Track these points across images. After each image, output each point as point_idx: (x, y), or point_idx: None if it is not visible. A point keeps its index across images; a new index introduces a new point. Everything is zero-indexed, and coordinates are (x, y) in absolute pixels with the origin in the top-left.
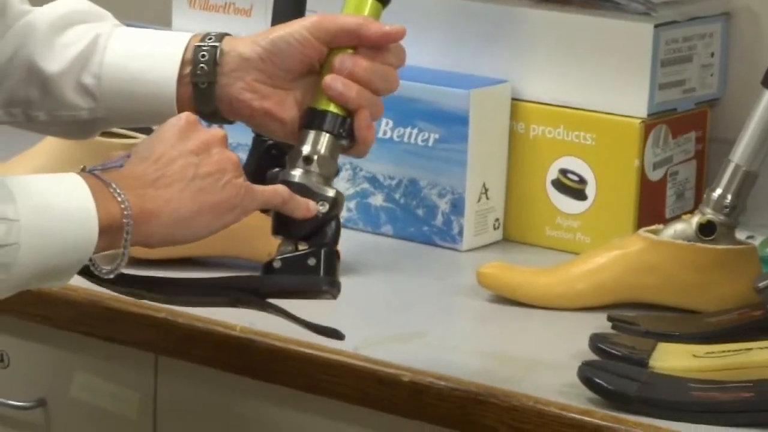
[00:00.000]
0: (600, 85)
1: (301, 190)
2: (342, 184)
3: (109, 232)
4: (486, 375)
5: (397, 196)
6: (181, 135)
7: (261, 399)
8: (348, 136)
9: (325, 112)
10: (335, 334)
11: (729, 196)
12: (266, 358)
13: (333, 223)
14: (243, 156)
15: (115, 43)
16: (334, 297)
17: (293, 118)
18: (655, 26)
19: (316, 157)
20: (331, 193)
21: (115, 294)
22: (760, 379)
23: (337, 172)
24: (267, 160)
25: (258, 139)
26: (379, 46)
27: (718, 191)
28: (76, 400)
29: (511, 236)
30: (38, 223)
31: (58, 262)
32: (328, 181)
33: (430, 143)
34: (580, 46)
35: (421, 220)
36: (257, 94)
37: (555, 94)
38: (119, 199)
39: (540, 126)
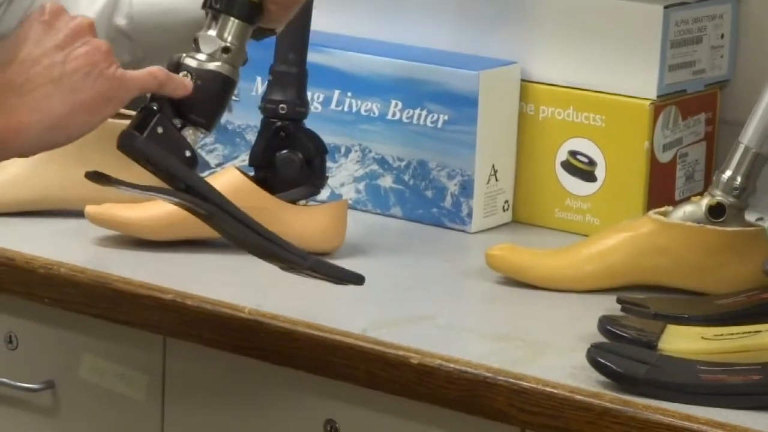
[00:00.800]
0: (610, 66)
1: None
2: (351, 165)
3: None
4: (494, 357)
5: (406, 177)
6: (44, 30)
7: (269, 381)
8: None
9: None
10: (358, 279)
11: (739, 178)
12: (274, 340)
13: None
14: (252, 138)
15: None
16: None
17: None
18: (665, 7)
19: (232, 48)
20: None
21: (123, 275)
22: None
23: (245, 62)
24: (276, 141)
25: (267, 121)
26: None
27: (728, 173)
28: (85, 381)
29: (520, 218)
30: None
31: None
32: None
33: (440, 125)
34: (589, 27)
35: (430, 202)
36: None
37: (564, 75)
38: None
39: (549, 107)
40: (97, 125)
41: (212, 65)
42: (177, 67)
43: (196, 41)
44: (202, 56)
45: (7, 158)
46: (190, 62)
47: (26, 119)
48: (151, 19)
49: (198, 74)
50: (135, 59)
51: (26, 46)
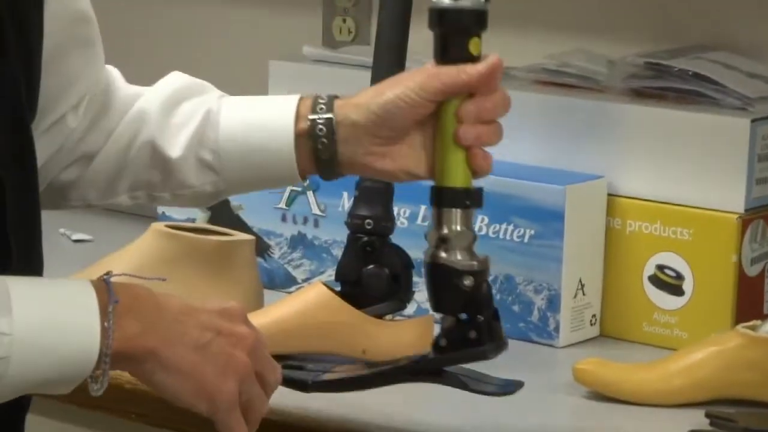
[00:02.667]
0: (697, 180)
1: (445, 270)
2: None
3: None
4: None
5: (493, 292)
6: (221, 314)
7: None
8: (477, 203)
9: (451, 189)
10: (509, 389)
11: None
12: None
13: (483, 288)
14: (338, 253)
15: (226, 117)
16: (501, 352)
17: (409, 164)
18: (752, 121)
19: (452, 236)
20: (474, 265)
21: None
22: None
23: (475, 238)
24: (362, 256)
25: (353, 236)
26: (484, 87)
27: None
28: None
29: (608, 332)
30: (33, 338)
31: (53, 377)
32: (468, 251)
33: (526, 239)
34: (676, 141)
35: (517, 316)
36: (375, 156)
37: (651, 189)
38: (108, 334)
39: (637, 221)
40: (174, 403)
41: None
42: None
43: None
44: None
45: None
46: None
47: (157, 348)
48: (237, 156)
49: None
50: (217, 191)
51: (201, 306)
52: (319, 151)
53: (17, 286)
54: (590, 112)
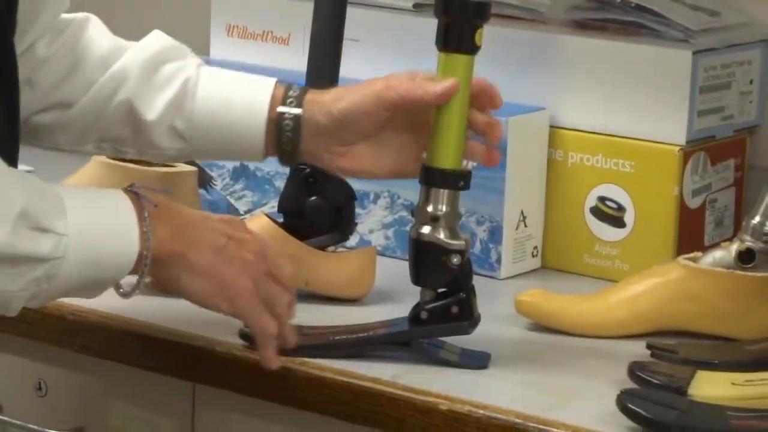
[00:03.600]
0: (638, 112)
1: (432, 247)
2: (380, 212)
3: (142, 258)
4: (524, 403)
5: None
6: (227, 222)
7: (298, 428)
8: (467, 185)
9: (444, 171)
10: (481, 363)
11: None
12: (304, 387)
13: (465, 269)
14: (281, 184)
15: (204, 88)
16: (476, 327)
17: (366, 164)
18: (694, 53)
19: (442, 215)
20: (460, 244)
21: (151, 321)
22: None
23: (459, 218)
24: (305, 188)
25: (296, 169)
26: (434, 104)
27: (757, 218)
28: (114, 428)
29: (549, 264)
30: (83, 240)
31: (97, 277)
32: (455, 231)
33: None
34: (618, 73)
35: None
36: (335, 155)
37: (593, 121)
38: (147, 229)
39: (578, 153)
40: (200, 305)
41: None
42: None
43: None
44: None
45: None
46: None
47: (183, 252)
48: (208, 130)
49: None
50: (181, 155)
51: (203, 215)
52: (283, 143)
53: (68, 193)
54: (532, 43)
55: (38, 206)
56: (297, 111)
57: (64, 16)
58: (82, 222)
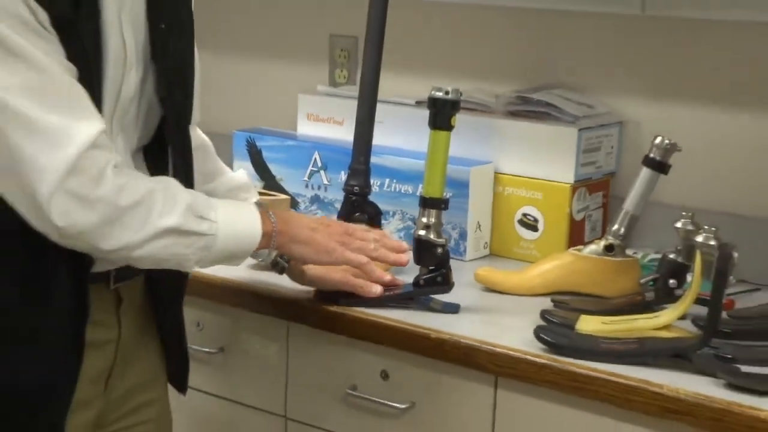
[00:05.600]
0: (546, 163)
1: (426, 243)
2: (396, 222)
3: (264, 237)
4: (480, 333)
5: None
6: (320, 218)
7: (350, 349)
8: (447, 207)
9: (433, 198)
10: (454, 310)
11: (622, 229)
12: (352, 323)
13: (446, 255)
14: (338, 206)
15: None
16: (451, 290)
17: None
18: (579, 130)
19: (432, 224)
20: (442, 241)
21: (263, 285)
22: (641, 337)
23: (442, 225)
24: (351, 208)
25: (347, 197)
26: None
27: (615, 226)
28: (243, 347)
29: (494, 252)
30: (228, 225)
31: (238, 249)
32: (439, 233)
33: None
34: (534, 141)
35: None
36: (304, 278)
37: (519, 170)
38: (272, 220)
39: (511, 188)
40: (310, 263)
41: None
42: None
43: None
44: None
45: (274, 247)
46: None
47: (289, 231)
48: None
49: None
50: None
51: (301, 214)
52: (275, 266)
53: (209, 197)
54: (484, 124)
55: (198, 204)
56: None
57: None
58: (227, 214)
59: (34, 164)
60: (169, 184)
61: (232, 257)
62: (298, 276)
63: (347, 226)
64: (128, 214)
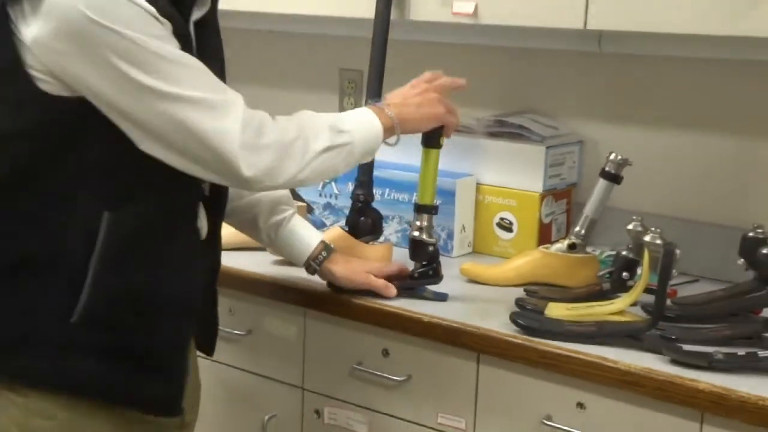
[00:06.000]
0: (519, 176)
1: (419, 242)
2: (394, 225)
3: (386, 129)
4: (464, 317)
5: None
6: (416, 84)
7: (352, 330)
8: (437, 212)
9: (425, 205)
10: (444, 298)
11: (582, 231)
12: (361, 309)
13: (436, 252)
14: (346, 211)
15: (287, 227)
16: (440, 281)
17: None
18: (546, 147)
19: (424, 227)
20: (433, 241)
21: (282, 277)
22: (599, 320)
23: (433, 228)
24: (358, 212)
25: (354, 204)
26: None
27: (577, 228)
28: (267, 329)
29: (476, 250)
30: (358, 130)
31: (370, 148)
32: (431, 233)
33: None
34: (509, 157)
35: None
36: (333, 278)
37: (498, 181)
38: (390, 115)
39: (490, 196)
40: (428, 126)
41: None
42: None
43: None
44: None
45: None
46: None
47: (405, 114)
48: (279, 246)
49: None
50: (264, 245)
51: (407, 90)
52: (310, 267)
53: (343, 116)
54: (467, 143)
55: (335, 122)
56: (324, 260)
57: None
58: (354, 122)
59: (215, 132)
60: (308, 115)
61: (368, 154)
62: (327, 276)
63: (416, 87)
64: (291, 149)
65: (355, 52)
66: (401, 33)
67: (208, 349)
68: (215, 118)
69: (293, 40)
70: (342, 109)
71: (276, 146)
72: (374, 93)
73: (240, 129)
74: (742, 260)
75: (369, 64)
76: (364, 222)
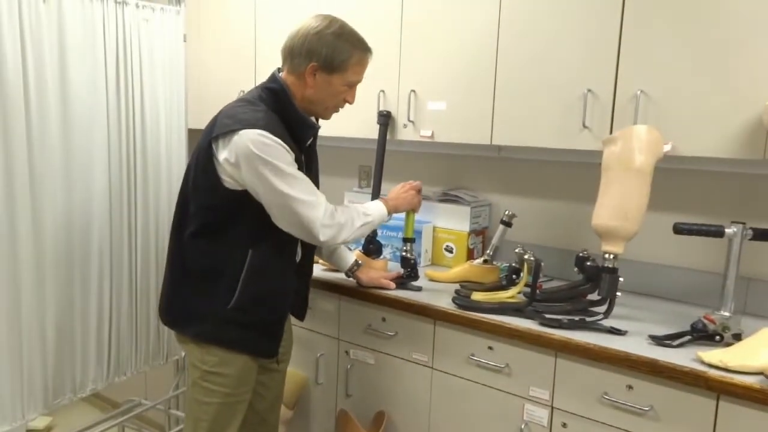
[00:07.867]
0: (457, 222)
1: (406, 259)
2: (390, 250)
3: (388, 212)
4: (429, 299)
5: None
6: (403, 186)
7: (370, 310)
8: (414, 242)
9: (408, 238)
10: (419, 290)
11: (491, 253)
12: (372, 297)
13: (415, 263)
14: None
15: (337, 252)
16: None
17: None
18: (471, 207)
19: (408, 249)
20: (414, 257)
21: (331, 276)
22: (501, 301)
23: (414, 250)
24: (368, 242)
25: (367, 239)
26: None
27: (488, 251)
28: (319, 306)
29: (434, 263)
30: (375, 213)
31: (380, 221)
32: (411, 253)
33: (414, 238)
34: (451, 213)
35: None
36: (363, 280)
37: (445, 225)
38: (390, 204)
39: (441, 234)
40: (405, 210)
41: None
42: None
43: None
44: None
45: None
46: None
47: (395, 206)
48: (334, 261)
49: None
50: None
51: (397, 192)
52: (347, 273)
53: (366, 206)
54: (428, 205)
55: (364, 211)
56: (355, 271)
57: None
58: (373, 209)
59: (309, 218)
60: (353, 206)
61: (379, 225)
62: (359, 279)
63: (404, 188)
64: (345, 226)
65: (366, 155)
66: (392, 146)
67: (301, 317)
68: (309, 210)
69: (333, 150)
70: (359, 186)
71: (337, 226)
72: (377, 182)
73: (322, 216)
74: (576, 268)
75: (374, 163)
76: (371, 248)
